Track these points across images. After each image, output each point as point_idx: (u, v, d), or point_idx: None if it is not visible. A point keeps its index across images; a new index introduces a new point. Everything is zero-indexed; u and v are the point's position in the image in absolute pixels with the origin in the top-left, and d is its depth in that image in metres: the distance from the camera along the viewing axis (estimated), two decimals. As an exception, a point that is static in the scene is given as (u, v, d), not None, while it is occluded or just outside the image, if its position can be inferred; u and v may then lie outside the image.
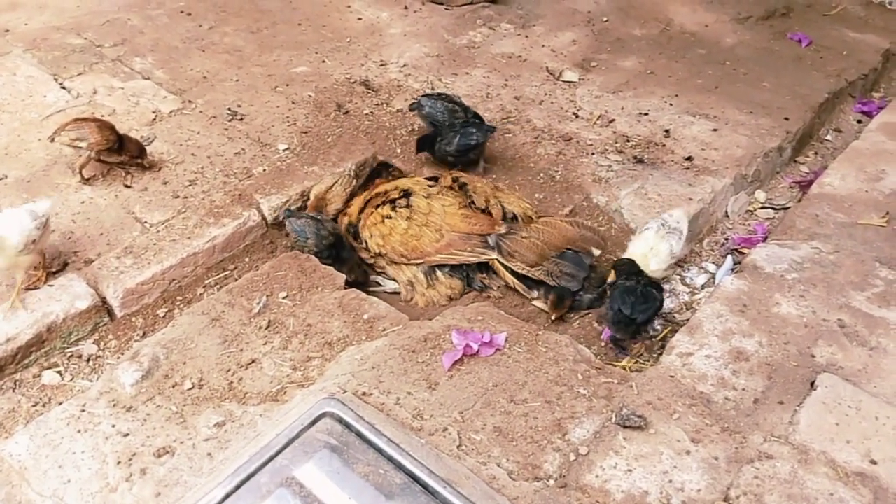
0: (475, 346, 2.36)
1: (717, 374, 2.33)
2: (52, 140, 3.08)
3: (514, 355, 2.38)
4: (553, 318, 2.77)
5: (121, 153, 3.11)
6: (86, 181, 3.10)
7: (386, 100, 3.81)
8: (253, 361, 2.41)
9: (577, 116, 3.73)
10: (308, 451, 2.06)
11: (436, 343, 2.42)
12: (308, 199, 3.07)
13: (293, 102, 3.68)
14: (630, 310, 2.48)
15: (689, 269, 3.06)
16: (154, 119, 3.51)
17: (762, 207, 3.45)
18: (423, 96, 3.49)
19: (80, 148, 3.04)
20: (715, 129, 3.63)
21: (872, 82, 4.26)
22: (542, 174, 3.33)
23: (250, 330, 2.52)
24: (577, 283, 2.75)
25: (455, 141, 3.19)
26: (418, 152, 3.34)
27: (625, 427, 2.15)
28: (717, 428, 2.16)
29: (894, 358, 2.37)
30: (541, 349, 2.41)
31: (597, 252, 2.87)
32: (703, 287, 2.97)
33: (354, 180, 3.17)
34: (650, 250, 2.75)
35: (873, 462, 2.07)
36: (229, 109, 3.63)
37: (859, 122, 3.97)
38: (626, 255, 2.74)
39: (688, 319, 2.61)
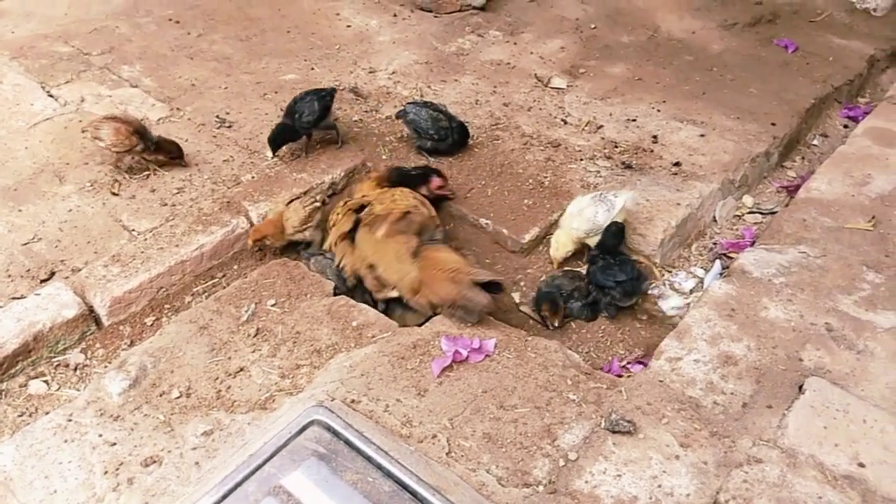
0: (464, 353, 2.36)
1: (705, 379, 2.33)
2: (84, 131, 3.17)
3: (503, 361, 2.38)
4: (555, 324, 2.77)
5: (158, 153, 3.17)
6: (125, 177, 3.15)
7: (375, 107, 3.81)
8: (241, 369, 2.40)
9: (565, 123, 3.75)
10: (296, 460, 2.05)
11: (425, 349, 2.42)
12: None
13: (282, 110, 3.67)
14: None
15: (677, 274, 3.06)
16: (142, 127, 3.50)
17: (750, 212, 3.45)
18: (408, 104, 3.51)
19: (103, 145, 3.11)
20: (702, 135, 3.65)
21: (858, 88, 4.29)
22: (530, 180, 3.34)
23: (238, 338, 2.51)
24: (474, 318, 2.49)
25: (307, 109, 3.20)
26: (274, 152, 3.30)
27: (614, 432, 2.15)
28: (705, 432, 2.16)
29: (882, 361, 2.39)
30: (530, 355, 2.41)
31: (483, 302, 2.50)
32: (691, 292, 2.98)
33: (319, 196, 3.00)
34: (579, 212, 2.95)
35: (861, 465, 2.08)
36: (217, 117, 3.63)
37: (846, 126, 4.00)
38: (565, 215, 2.99)
39: (676, 324, 2.63)
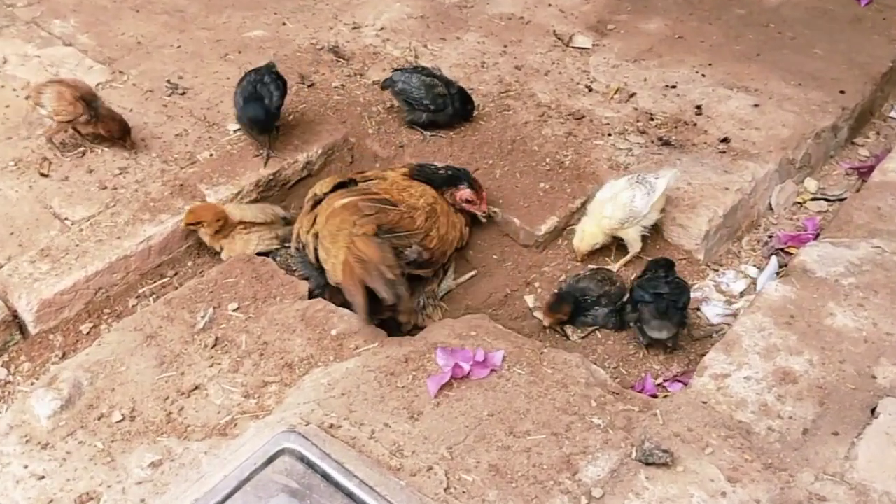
0: (466, 367, 2.36)
1: (758, 400, 2.33)
2: (27, 98, 3.16)
3: (513, 378, 2.38)
4: (546, 324, 2.78)
5: (97, 126, 3.14)
6: (57, 154, 3.14)
7: (359, 70, 3.81)
8: (196, 387, 2.40)
9: (590, 90, 3.74)
10: (262, 496, 2.05)
11: (419, 364, 2.41)
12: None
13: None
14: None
15: (724, 274, 3.07)
16: (77, 94, 3.50)
17: (813, 199, 3.45)
18: (395, 71, 3.50)
19: (44, 113, 3.10)
20: (756, 105, 3.65)
21: (945, 48, 4.30)
22: (548, 159, 3.33)
23: (193, 349, 2.51)
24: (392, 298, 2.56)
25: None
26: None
27: (647, 464, 2.15)
28: (758, 464, 2.16)
29: (972, 379, 2.39)
30: (546, 370, 2.41)
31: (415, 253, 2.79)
32: (741, 295, 2.98)
33: (280, 231, 3.02)
34: (612, 197, 2.96)
35: (947, 505, 2.08)
36: (169, 82, 3.62)
37: (930, 95, 4.01)
38: (594, 201, 3.02)
39: (723, 333, 2.62)
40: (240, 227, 2.92)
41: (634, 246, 3.03)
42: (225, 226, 2.89)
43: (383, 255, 2.60)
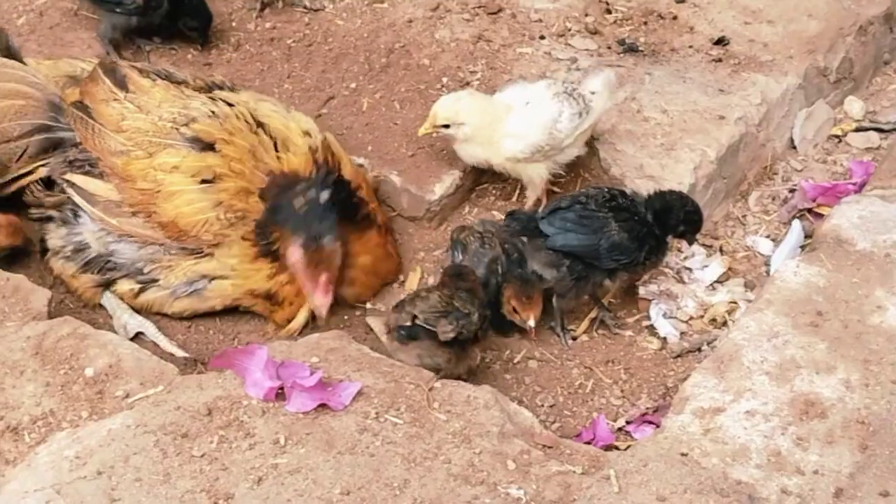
0: (306, 403, 2.37)
1: (766, 447, 2.33)
2: None
3: (384, 431, 2.35)
4: (529, 323, 2.78)
5: None
6: None
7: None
8: None
9: (512, -34, 3.72)
10: None
11: (231, 417, 2.37)
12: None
13: None
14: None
15: (693, 254, 3.09)
16: None
17: (858, 129, 3.49)
18: None
19: None
20: (768, -15, 3.68)
21: None
22: (445, 79, 3.34)
23: None
24: None
25: None
26: None
27: (595, 563, 2.14)
28: (768, 551, 2.17)
29: None
30: (438, 417, 2.38)
31: None
32: (713, 287, 3.01)
33: None
34: (524, 109, 2.99)
35: None
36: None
37: None
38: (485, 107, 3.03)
39: (713, 342, 2.66)
40: None
41: (535, 190, 3.09)
42: None
43: None
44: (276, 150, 2.87)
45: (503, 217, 3.08)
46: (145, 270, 2.88)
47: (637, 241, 2.84)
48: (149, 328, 2.89)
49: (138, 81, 2.91)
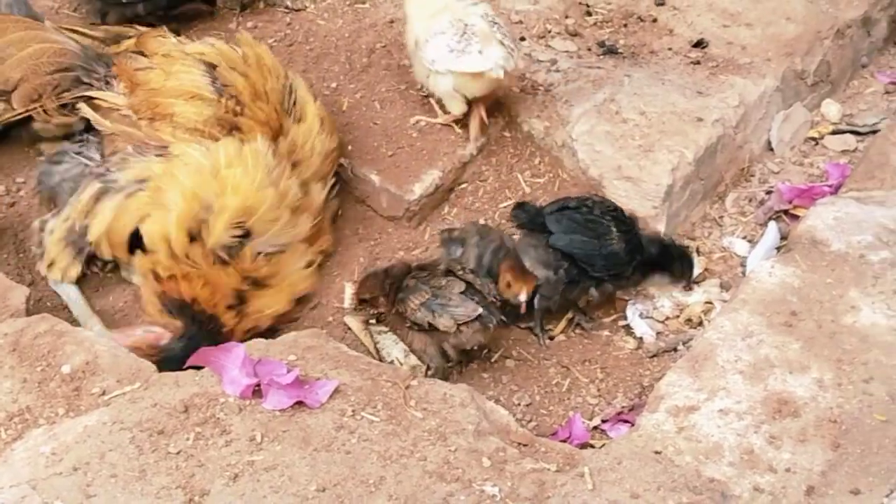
0: (282, 400, 2.36)
1: (739, 445, 2.34)
2: None
3: (361, 428, 2.34)
4: (520, 296, 2.78)
5: None
6: None
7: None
8: None
9: (493, -33, 3.72)
10: None
11: (208, 413, 2.36)
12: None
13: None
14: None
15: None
16: None
17: (835, 132, 3.50)
18: None
19: None
20: (747, -12, 3.70)
21: None
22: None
23: None
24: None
25: None
26: None
27: (568, 558, 2.14)
28: (740, 547, 2.17)
29: None
30: (414, 415, 2.38)
31: None
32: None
33: None
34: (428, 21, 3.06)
35: None
36: None
37: None
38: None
39: (689, 342, 2.65)
40: None
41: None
42: None
43: None
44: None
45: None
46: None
47: (630, 255, 2.85)
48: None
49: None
